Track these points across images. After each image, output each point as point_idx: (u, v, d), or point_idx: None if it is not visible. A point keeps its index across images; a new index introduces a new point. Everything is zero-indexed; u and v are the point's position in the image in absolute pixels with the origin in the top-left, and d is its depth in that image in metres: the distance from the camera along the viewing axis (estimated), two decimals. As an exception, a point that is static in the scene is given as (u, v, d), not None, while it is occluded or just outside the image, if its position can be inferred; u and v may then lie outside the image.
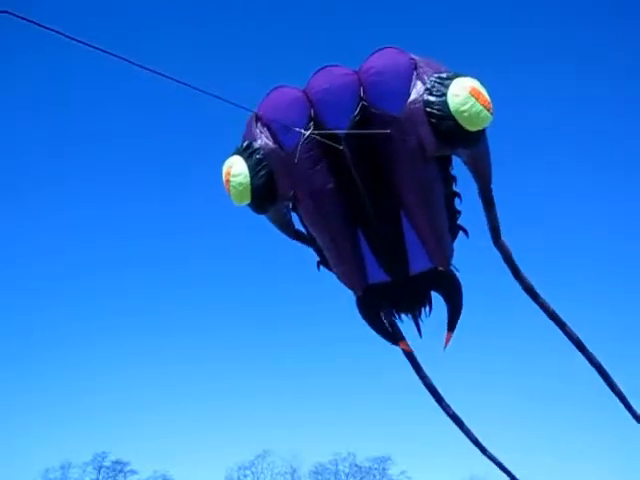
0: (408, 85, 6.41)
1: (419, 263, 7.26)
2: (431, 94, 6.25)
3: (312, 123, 6.50)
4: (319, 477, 57.73)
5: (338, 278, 7.43)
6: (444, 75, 6.30)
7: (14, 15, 2.97)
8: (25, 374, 71.98)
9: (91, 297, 78.34)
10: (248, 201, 6.76)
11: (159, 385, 69.30)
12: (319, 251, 7.36)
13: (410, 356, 8.03)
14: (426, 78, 6.34)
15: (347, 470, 56.94)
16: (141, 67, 4.29)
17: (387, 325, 7.56)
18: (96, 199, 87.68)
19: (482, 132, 6.36)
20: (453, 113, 6.10)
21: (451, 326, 7.39)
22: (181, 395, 69.75)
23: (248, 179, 6.61)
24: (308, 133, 6.44)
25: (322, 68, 6.63)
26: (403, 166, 6.61)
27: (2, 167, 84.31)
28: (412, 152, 6.46)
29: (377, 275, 7.35)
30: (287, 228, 7.49)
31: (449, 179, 7.11)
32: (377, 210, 6.95)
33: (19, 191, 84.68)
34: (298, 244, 7.51)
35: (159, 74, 4.51)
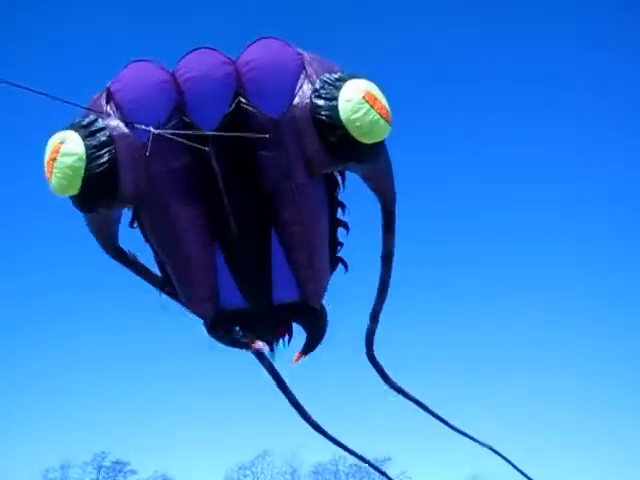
0: (293, 84, 5.41)
1: (285, 292, 6.20)
2: (320, 97, 5.27)
3: (176, 114, 5.43)
4: (319, 477, 57.77)
5: (184, 303, 6.44)
6: (336, 76, 5.31)
7: None
8: (25, 374, 71.94)
9: (91, 297, 78.35)
10: (74, 192, 5.37)
11: (159, 385, 69.31)
12: (156, 276, 6.47)
13: (271, 368, 7.66)
14: (315, 78, 5.35)
15: (347, 470, 56.99)
16: None
17: (240, 338, 6.87)
18: None
19: (379, 145, 5.40)
20: (344, 122, 5.13)
21: (306, 350, 6.90)
22: (181, 395, 69.76)
23: (83, 164, 5.22)
24: (158, 132, 5.22)
25: (196, 49, 5.57)
26: (281, 179, 5.60)
27: None
28: (294, 164, 5.50)
29: (231, 299, 6.34)
30: (108, 241, 6.28)
31: (335, 203, 6.17)
32: (242, 224, 5.85)
33: None
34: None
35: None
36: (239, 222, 5.79)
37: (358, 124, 5.11)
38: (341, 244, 6.44)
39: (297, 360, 7.02)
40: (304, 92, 5.35)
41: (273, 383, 7.84)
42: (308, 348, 6.93)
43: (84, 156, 5.15)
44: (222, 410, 67.26)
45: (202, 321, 6.51)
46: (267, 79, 5.46)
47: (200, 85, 5.42)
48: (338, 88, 5.23)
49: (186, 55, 5.50)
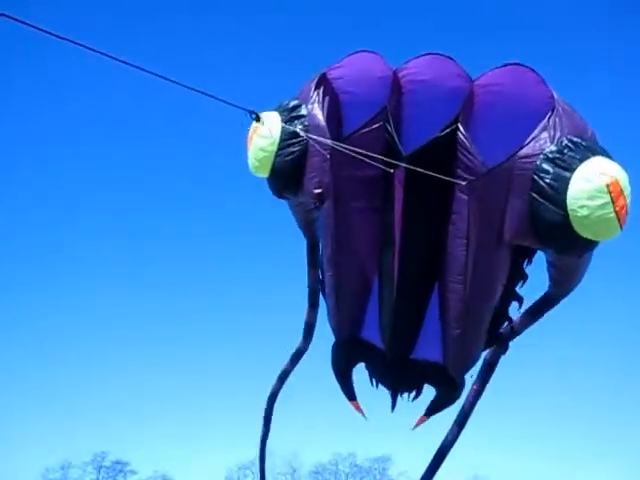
0: (528, 132, 4.50)
1: (427, 350, 5.73)
2: (553, 161, 4.34)
3: (382, 116, 4.93)
4: (319, 477, 57.69)
5: (328, 313, 6.11)
6: (582, 142, 4.36)
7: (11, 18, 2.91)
8: (25, 374, 71.86)
9: (90, 297, 78.31)
10: (265, 174, 5.33)
11: (159, 385, 69.20)
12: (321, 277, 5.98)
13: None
14: (556, 134, 4.43)
15: (347, 470, 56.90)
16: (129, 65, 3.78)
17: (351, 382, 6.45)
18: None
19: (595, 244, 4.51)
20: (569, 202, 4.20)
21: (430, 413, 6.01)
22: (181, 395, 69.72)
23: (275, 148, 5.10)
24: (347, 149, 4.73)
25: (430, 54, 4.97)
26: (466, 235, 4.88)
27: None
28: (486, 224, 4.76)
29: (371, 333, 5.93)
30: (307, 227, 5.91)
31: (517, 275, 5.35)
32: (408, 266, 5.28)
33: None
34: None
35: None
36: (407, 259, 5.25)
37: (585, 213, 4.19)
38: (509, 319, 5.50)
39: (420, 423, 6.05)
40: (538, 146, 4.48)
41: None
42: (433, 411, 6.00)
43: (277, 141, 5.12)
44: (222, 410, 67.35)
45: (332, 333, 6.20)
46: (503, 114, 4.78)
47: (424, 91, 4.95)
48: (581, 160, 4.29)
49: (418, 56, 5.04)
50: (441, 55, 4.98)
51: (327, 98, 5.12)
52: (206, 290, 77.79)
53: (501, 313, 5.46)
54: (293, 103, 5.19)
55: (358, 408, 6.58)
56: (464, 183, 4.63)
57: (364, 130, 4.97)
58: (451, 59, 4.94)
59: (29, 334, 75.73)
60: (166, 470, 56.08)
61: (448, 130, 4.74)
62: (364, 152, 4.75)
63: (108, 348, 69.42)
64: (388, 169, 4.79)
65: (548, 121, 4.51)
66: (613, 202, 4.17)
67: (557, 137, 4.46)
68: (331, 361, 6.35)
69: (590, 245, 4.52)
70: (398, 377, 5.97)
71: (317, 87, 5.15)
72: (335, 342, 6.20)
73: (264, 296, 75.80)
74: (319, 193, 5.21)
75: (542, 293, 5.38)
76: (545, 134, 4.50)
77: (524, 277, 5.42)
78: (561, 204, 4.28)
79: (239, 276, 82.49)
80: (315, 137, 5.03)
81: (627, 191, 4.29)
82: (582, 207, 4.21)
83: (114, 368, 68.90)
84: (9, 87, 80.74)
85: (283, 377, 7.11)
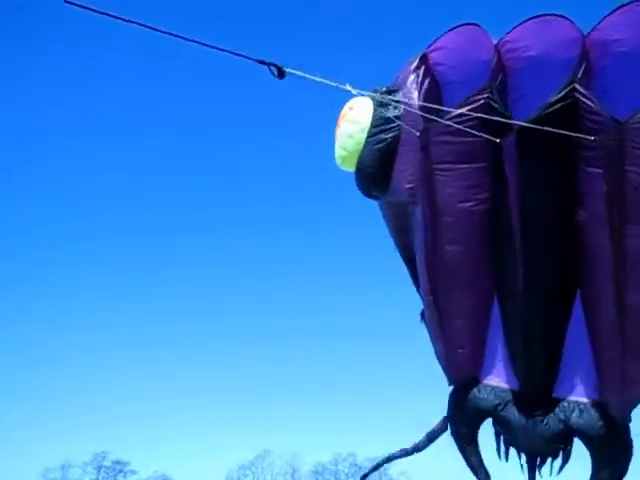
0: None
1: (575, 385, 4.45)
2: None
3: (486, 92, 4.31)
4: (319, 477, 57.64)
5: (433, 344, 4.99)
6: None
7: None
8: (25, 374, 71.82)
9: (90, 297, 78.24)
10: (352, 167, 4.82)
11: (159, 385, 69.19)
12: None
13: None
14: None
15: (347, 470, 56.84)
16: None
17: (477, 450, 4.93)
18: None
19: None
20: None
21: None
22: (181, 395, 69.68)
23: (365, 135, 4.62)
24: (455, 114, 4.20)
25: (535, 17, 4.22)
26: (607, 218, 3.99)
27: None
28: (631, 197, 3.86)
29: (499, 372, 4.72)
30: (400, 236, 5.16)
31: None
32: (536, 267, 4.29)
33: None
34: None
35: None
36: (532, 261, 4.27)
37: None
38: None
39: None
40: None
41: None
42: None
43: (367, 128, 4.65)
44: (222, 410, 67.32)
45: (446, 380, 4.99)
46: (623, 65, 3.99)
47: (534, 68, 4.23)
48: None
49: (523, 24, 4.32)
50: (547, 16, 4.21)
51: (427, 81, 4.65)
52: (206, 290, 77.85)
53: None
54: (389, 88, 4.79)
55: None
56: (592, 138, 3.77)
57: (463, 109, 4.34)
58: (559, 17, 4.19)
59: (29, 334, 75.71)
60: (166, 470, 56.09)
61: (563, 93, 4.07)
62: (462, 128, 4.25)
63: (108, 348, 69.47)
64: (495, 139, 4.07)
65: None
66: None
67: None
68: (449, 422, 4.97)
69: None
70: (537, 429, 4.50)
71: (416, 69, 4.72)
72: (452, 391, 4.98)
73: (265, 298, 76.13)
74: (411, 188, 4.65)
75: None
76: None
77: None
78: None
79: (238, 277, 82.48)
80: (413, 109, 4.51)
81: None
82: None
83: (114, 368, 68.91)
84: None
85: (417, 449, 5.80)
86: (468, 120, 4.26)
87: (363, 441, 57.71)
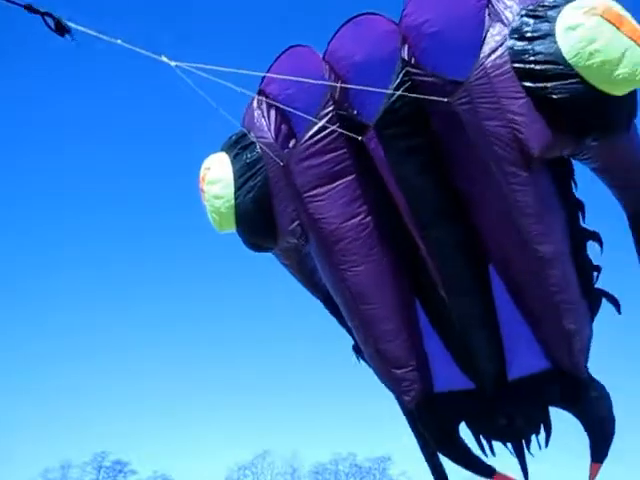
0: (479, 34, 3.74)
1: (526, 361, 4.43)
2: (522, 37, 3.47)
3: (331, 106, 4.31)
4: (319, 477, 57.67)
5: (379, 377, 4.79)
6: (544, 2, 3.48)
7: None
8: (25, 374, 71.85)
9: (91, 296, 78.25)
10: (232, 227, 4.56)
11: (159, 385, 69.24)
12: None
13: None
14: (509, 14, 3.61)
15: (347, 470, 56.88)
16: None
17: (469, 450, 4.78)
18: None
19: (635, 96, 3.49)
20: (575, 65, 3.24)
21: (598, 456, 4.54)
22: (181, 395, 69.72)
23: (232, 190, 4.37)
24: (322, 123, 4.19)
25: (349, 21, 4.25)
26: (483, 177, 3.86)
27: None
28: (499, 150, 3.67)
29: (449, 379, 4.61)
30: (310, 281, 5.02)
31: (571, 204, 4.11)
32: (443, 261, 4.19)
33: None
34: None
35: None
36: (439, 258, 4.15)
37: (599, 60, 3.19)
38: (597, 269, 4.29)
39: (595, 474, 4.59)
40: (494, 39, 3.64)
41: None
42: (598, 449, 4.54)
43: (232, 180, 4.38)
44: (222, 410, 67.38)
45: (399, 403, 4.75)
46: (445, 37, 3.91)
47: (365, 72, 4.20)
48: (554, 17, 3.37)
49: (340, 31, 4.32)
50: (357, 17, 4.24)
51: (272, 114, 4.56)
52: (206, 290, 77.92)
53: (584, 263, 4.16)
54: (237, 134, 4.59)
55: (507, 479, 4.82)
56: (446, 100, 3.71)
57: (316, 127, 4.30)
58: (369, 15, 4.20)
59: (29, 333, 75.72)
60: (166, 470, 56.12)
61: (400, 79, 4.00)
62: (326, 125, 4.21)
63: (108, 348, 69.49)
64: (356, 136, 4.06)
65: (488, 12, 3.72)
66: (619, 29, 3.22)
67: (510, 15, 3.61)
68: (419, 445, 4.79)
69: (630, 100, 3.43)
70: (511, 415, 4.52)
71: (259, 107, 4.61)
72: (408, 412, 4.72)
73: (264, 297, 76.27)
74: (296, 226, 4.41)
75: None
76: (497, 24, 3.67)
77: (581, 206, 4.16)
78: (565, 71, 3.28)
79: (239, 276, 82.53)
80: (265, 148, 4.37)
81: (625, 13, 3.35)
82: (591, 56, 3.20)
83: (114, 368, 68.99)
84: None
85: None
86: (324, 137, 4.28)
87: (363, 441, 57.79)
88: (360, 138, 4.07)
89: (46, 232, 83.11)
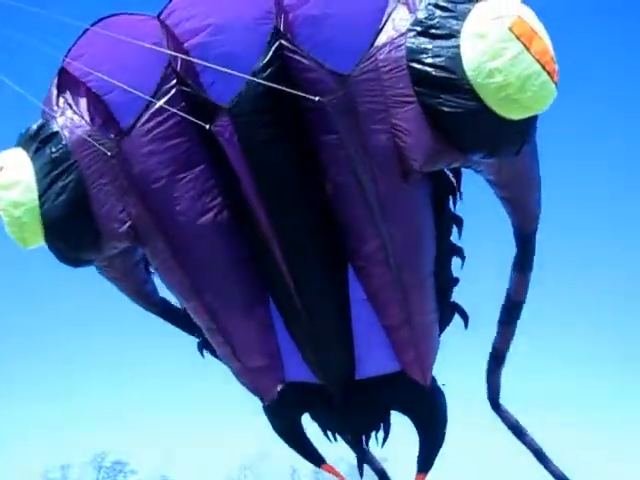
0: (375, 16, 3.20)
1: (374, 362, 4.26)
2: (424, 34, 2.99)
3: (174, 82, 3.50)
4: (319, 477, 57.67)
5: (233, 372, 4.58)
6: None
7: None
8: (24, 374, 71.90)
9: (90, 298, 78.23)
10: (39, 241, 3.68)
11: (159, 385, 69.32)
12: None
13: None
14: (415, 2, 3.14)
15: (347, 470, 56.92)
16: None
17: (309, 442, 5.00)
18: None
19: (530, 122, 3.16)
20: (472, 79, 2.87)
21: (424, 466, 4.62)
22: (181, 395, 69.76)
23: (35, 195, 3.46)
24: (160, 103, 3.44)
25: None
26: (354, 184, 3.49)
27: None
28: (376, 156, 3.34)
29: (297, 371, 4.41)
30: (140, 290, 4.55)
31: (446, 218, 3.91)
32: (299, 261, 3.80)
33: None
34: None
35: None
36: (292, 258, 3.74)
37: (500, 81, 2.84)
38: (455, 281, 4.22)
39: None
40: (394, 27, 3.13)
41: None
42: (426, 460, 4.60)
43: (34, 183, 3.48)
44: (222, 410, 67.47)
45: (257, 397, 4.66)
46: (331, 11, 3.27)
47: (223, 37, 3.38)
48: (461, 15, 2.91)
49: None
50: None
51: (82, 100, 3.67)
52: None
53: (442, 278, 4.04)
54: (37, 125, 3.68)
55: (333, 471, 5.23)
56: (317, 98, 3.10)
57: (154, 108, 3.50)
58: None
59: (29, 333, 75.76)
60: (166, 470, 56.14)
61: (270, 53, 3.30)
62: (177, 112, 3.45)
63: (108, 347, 69.49)
64: (204, 124, 3.37)
65: None
66: (527, 48, 2.84)
67: (414, 4, 3.10)
68: (271, 426, 4.85)
69: (526, 125, 3.12)
70: (352, 412, 4.43)
71: (61, 90, 3.72)
72: (266, 409, 4.72)
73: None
74: (130, 228, 3.67)
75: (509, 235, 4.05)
76: (399, 8, 3.14)
77: (457, 221, 3.94)
78: (461, 84, 2.90)
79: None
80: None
81: (539, 29, 2.92)
82: (491, 74, 2.84)
83: (114, 368, 69.01)
84: None
85: None
86: (166, 120, 3.50)
87: (363, 441, 57.86)
88: (208, 126, 3.36)
89: None
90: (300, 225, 3.72)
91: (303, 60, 3.25)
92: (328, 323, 4.09)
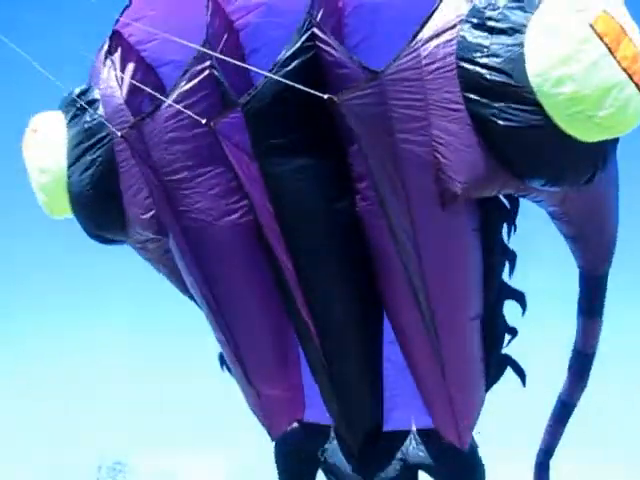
0: (430, 3, 2.58)
1: (404, 414, 3.73)
2: (482, 24, 2.36)
3: (209, 60, 3.10)
4: (319, 477, 57.69)
5: (247, 401, 4.06)
6: None
7: None
8: (24, 374, 71.88)
9: (90, 299, 78.09)
10: (66, 213, 3.51)
11: (159, 385, 69.25)
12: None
13: None
14: None
15: (347, 470, 56.98)
16: None
17: None
18: None
19: (611, 146, 2.60)
20: (537, 89, 2.26)
21: None
22: (181, 395, 69.70)
23: (63, 165, 3.25)
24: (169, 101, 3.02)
25: None
26: (383, 209, 2.90)
27: None
28: (407, 175, 2.69)
29: (317, 411, 3.85)
30: (176, 274, 3.85)
31: (497, 254, 3.22)
32: (320, 294, 3.26)
33: None
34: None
35: None
36: (313, 288, 3.18)
37: (572, 92, 2.20)
38: (513, 332, 3.51)
39: None
40: (445, 16, 2.49)
41: None
42: None
43: (64, 152, 3.23)
44: (222, 410, 67.26)
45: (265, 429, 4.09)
46: (387, 15, 2.89)
47: (269, 20, 3.13)
48: (530, 6, 2.31)
49: None
50: None
51: (130, 66, 3.42)
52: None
53: (493, 326, 3.37)
54: (80, 89, 3.44)
55: None
56: (326, 96, 2.61)
57: (186, 84, 3.07)
58: None
59: (29, 332, 75.68)
60: (167, 469, 56.02)
61: (299, 43, 2.80)
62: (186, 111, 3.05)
63: (108, 346, 69.41)
64: (200, 119, 3.01)
65: None
66: (612, 51, 2.18)
67: None
68: (280, 471, 4.22)
69: (603, 149, 2.48)
70: (372, 467, 3.81)
71: (109, 54, 3.45)
72: (275, 443, 4.16)
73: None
74: (152, 217, 3.34)
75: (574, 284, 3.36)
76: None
77: (512, 257, 3.29)
78: (521, 92, 2.29)
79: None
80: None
81: (634, 30, 2.30)
82: (560, 82, 2.20)
83: (114, 367, 68.93)
84: None
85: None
86: (195, 103, 3.05)
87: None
88: (210, 124, 2.93)
89: None
90: (320, 247, 3.21)
91: (334, 53, 2.69)
92: (352, 368, 3.49)
